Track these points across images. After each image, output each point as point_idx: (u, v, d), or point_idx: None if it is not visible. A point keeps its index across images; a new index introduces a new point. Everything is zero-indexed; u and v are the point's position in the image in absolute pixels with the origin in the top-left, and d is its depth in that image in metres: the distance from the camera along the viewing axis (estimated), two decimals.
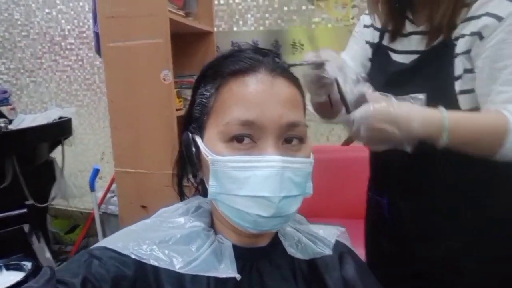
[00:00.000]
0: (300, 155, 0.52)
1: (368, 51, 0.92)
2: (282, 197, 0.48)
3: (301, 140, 0.53)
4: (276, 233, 0.60)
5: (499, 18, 0.69)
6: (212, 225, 0.59)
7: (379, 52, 0.89)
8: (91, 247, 0.52)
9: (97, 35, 1.71)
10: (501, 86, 0.70)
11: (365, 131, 0.66)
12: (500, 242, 0.78)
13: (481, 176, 0.77)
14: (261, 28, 2.22)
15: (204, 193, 0.60)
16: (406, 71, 0.81)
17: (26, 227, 1.09)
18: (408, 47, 0.82)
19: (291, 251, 0.58)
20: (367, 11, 0.90)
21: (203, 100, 0.55)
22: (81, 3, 2.54)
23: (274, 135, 0.50)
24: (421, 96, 0.70)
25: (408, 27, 0.83)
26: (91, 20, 2.15)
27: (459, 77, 0.74)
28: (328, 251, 0.60)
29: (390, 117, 0.65)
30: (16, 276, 0.92)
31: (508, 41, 0.69)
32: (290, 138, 0.52)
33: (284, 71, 0.54)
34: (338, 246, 0.62)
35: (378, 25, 0.89)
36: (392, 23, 0.84)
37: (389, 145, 0.68)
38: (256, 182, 0.48)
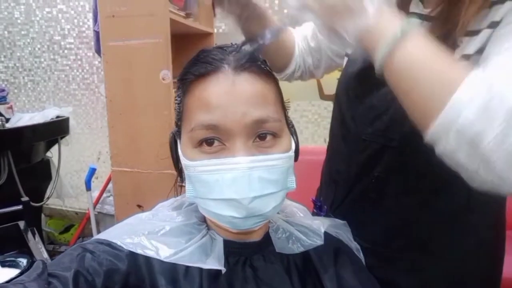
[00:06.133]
0: (274, 151, 0.51)
1: None
2: (252, 197, 0.48)
3: (275, 135, 0.51)
4: (269, 227, 0.60)
5: None
6: (205, 220, 0.59)
7: None
8: (84, 242, 0.53)
9: (97, 34, 1.71)
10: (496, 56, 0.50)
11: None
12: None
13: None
14: None
15: None
16: None
17: (21, 224, 1.08)
18: None
19: (280, 247, 0.57)
20: None
21: (176, 105, 0.56)
22: (81, 3, 2.53)
23: (241, 136, 0.49)
24: None
25: (413, 6, 0.65)
26: (91, 20, 2.15)
27: None
28: (320, 241, 0.59)
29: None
30: (12, 273, 0.92)
31: None
32: (263, 134, 0.50)
33: (249, 66, 0.51)
34: (334, 241, 0.62)
35: None
36: None
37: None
38: (224, 185, 0.48)
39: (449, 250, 0.67)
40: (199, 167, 0.50)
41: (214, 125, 0.49)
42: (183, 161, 0.52)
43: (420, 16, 0.63)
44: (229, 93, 0.49)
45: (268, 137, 0.51)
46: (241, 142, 0.49)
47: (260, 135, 0.50)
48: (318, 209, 0.84)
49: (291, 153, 0.53)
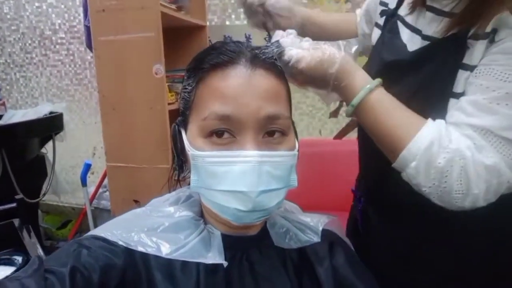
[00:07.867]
0: (282, 148, 0.52)
1: (377, 11, 0.76)
2: (259, 191, 0.48)
3: (284, 132, 0.52)
4: (266, 222, 0.60)
5: None
6: (202, 215, 0.59)
7: (390, 24, 0.72)
8: (80, 237, 0.53)
9: (88, 29, 1.69)
10: (466, 104, 0.56)
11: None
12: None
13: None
14: None
15: None
16: (403, 63, 0.66)
17: (16, 222, 1.08)
18: (421, 24, 0.65)
19: (277, 241, 0.58)
20: (361, 4, 0.84)
21: (186, 94, 0.56)
22: None
23: (252, 129, 0.50)
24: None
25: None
26: (82, 14, 2.12)
27: (459, 95, 0.59)
28: (316, 239, 0.60)
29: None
30: (7, 271, 0.92)
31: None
32: (272, 131, 0.51)
33: (265, 63, 0.52)
34: (329, 235, 0.63)
35: None
36: None
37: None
38: (233, 177, 0.49)
39: (489, 234, 0.66)
40: (208, 158, 0.50)
41: (228, 115, 0.49)
42: (191, 151, 0.52)
43: (438, 11, 0.63)
44: (245, 86, 0.50)
45: (277, 134, 0.52)
46: (251, 135, 0.49)
47: (269, 131, 0.51)
48: (358, 201, 0.84)
49: (296, 151, 0.54)
